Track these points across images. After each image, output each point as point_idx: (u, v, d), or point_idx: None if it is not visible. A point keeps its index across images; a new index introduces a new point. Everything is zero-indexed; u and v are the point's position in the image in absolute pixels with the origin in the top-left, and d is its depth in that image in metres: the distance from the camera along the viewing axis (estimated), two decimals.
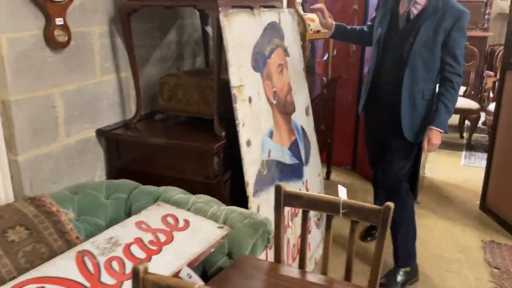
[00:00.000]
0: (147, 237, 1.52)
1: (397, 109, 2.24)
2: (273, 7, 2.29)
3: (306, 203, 1.50)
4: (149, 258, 1.42)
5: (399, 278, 2.43)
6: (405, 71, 2.17)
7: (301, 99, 2.52)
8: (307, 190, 2.52)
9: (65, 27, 1.76)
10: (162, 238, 1.53)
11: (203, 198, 1.80)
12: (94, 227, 1.69)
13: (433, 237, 2.93)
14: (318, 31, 3.06)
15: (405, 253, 2.45)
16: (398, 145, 2.33)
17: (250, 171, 1.92)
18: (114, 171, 2.11)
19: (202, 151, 1.88)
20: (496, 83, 3.04)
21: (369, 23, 2.52)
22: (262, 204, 2.00)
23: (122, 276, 1.33)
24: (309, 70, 3.98)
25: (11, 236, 1.45)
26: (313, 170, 2.63)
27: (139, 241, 1.49)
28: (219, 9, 1.76)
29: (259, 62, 2.05)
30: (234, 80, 1.84)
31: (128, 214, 1.78)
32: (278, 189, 1.52)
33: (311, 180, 2.59)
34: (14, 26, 1.59)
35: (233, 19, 1.85)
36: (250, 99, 1.95)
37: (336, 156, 3.88)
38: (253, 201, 1.93)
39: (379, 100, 2.38)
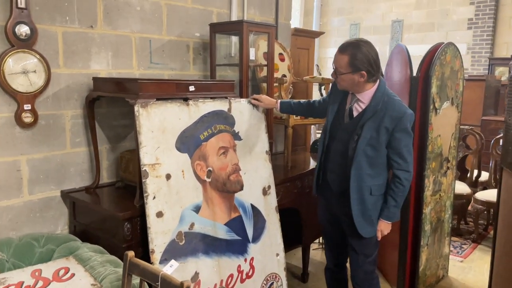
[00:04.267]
0: (28, 282, 1.87)
1: (344, 198, 2.29)
2: (225, 98, 2.58)
3: (141, 273, 1.69)
4: None
5: None
6: (351, 169, 2.23)
7: (256, 179, 2.68)
8: (252, 268, 2.60)
9: (32, 111, 2.32)
10: (40, 284, 1.86)
11: (104, 258, 2.10)
12: (15, 267, 2.10)
13: None
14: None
15: None
16: (355, 241, 2.37)
17: (158, 240, 2.16)
18: (74, 226, 2.54)
19: (115, 217, 2.20)
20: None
21: (322, 97, 2.60)
22: (173, 273, 2.19)
23: None
24: None
25: None
26: (267, 249, 2.70)
27: (18, 284, 1.84)
28: (137, 100, 2.14)
29: (187, 144, 2.34)
30: (146, 159, 2.16)
31: (48, 261, 2.16)
32: (125, 257, 1.75)
33: (262, 259, 2.66)
34: None
35: (154, 109, 2.21)
36: (168, 176, 2.23)
37: None
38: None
39: (329, 186, 2.42)
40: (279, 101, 2.59)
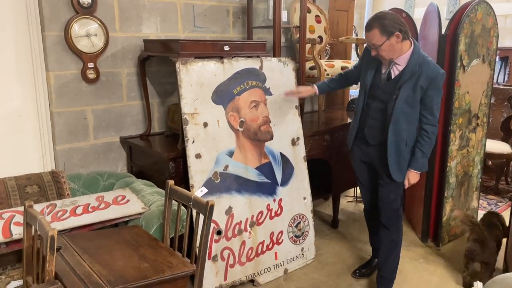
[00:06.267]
0: (93, 204, 2.35)
1: (381, 148, 2.55)
2: (257, 57, 2.88)
3: (179, 197, 2.10)
4: (79, 214, 2.24)
5: None
6: (390, 126, 2.46)
7: (285, 131, 2.99)
8: (280, 208, 2.96)
9: (94, 69, 2.77)
10: (102, 206, 2.34)
11: (153, 190, 2.55)
12: (84, 195, 2.60)
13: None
14: None
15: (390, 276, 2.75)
16: (386, 183, 2.62)
17: (196, 177, 2.56)
18: (131, 167, 3.03)
19: (162, 158, 2.63)
20: None
21: (353, 65, 2.82)
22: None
23: (55, 218, 2.18)
24: None
25: (28, 189, 2.47)
26: (295, 193, 3.03)
27: (86, 205, 2.33)
28: (178, 58, 2.51)
29: (222, 97, 2.69)
30: (186, 109, 2.54)
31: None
32: (166, 184, 2.16)
33: (290, 201, 3.00)
34: (59, 67, 2.67)
35: (193, 66, 2.57)
36: (205, 124, 2.61)
37: None
38: None
39: (366, 140, 2.66)
40: (315, 85, 2.85)
